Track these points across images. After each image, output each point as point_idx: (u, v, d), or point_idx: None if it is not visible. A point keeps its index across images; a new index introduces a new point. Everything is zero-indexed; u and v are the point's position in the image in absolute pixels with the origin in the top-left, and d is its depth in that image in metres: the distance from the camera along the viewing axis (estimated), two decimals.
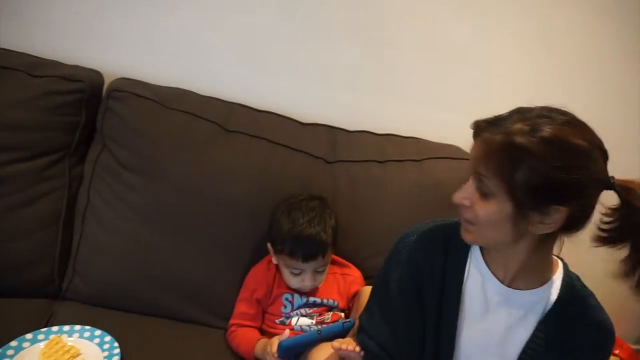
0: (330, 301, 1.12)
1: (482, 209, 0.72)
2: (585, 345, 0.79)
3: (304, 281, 1.06)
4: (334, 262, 1.17)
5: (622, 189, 0.70)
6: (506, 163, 0.68)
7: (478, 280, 0.82)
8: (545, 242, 0.75)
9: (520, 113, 0.71)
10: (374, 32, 1.37)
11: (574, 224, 0.71)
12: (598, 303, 0.82)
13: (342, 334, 0.95)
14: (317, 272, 1.08)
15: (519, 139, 0.67)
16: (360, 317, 0.93)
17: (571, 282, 0.81)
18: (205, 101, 1.25)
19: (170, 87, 1.26)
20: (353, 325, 0.95)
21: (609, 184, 0.70)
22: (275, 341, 0.96)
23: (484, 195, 0.71)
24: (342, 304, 1.13)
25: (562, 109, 0.71)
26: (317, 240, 1.04)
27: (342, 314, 1.14)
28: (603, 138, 0.71)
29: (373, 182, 1.26)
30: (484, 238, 0.77)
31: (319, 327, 0.98)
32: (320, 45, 1.37)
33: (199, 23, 1.31)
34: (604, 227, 0.72)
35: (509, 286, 0.80)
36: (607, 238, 0.72)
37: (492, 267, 0.81)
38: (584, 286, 0.82)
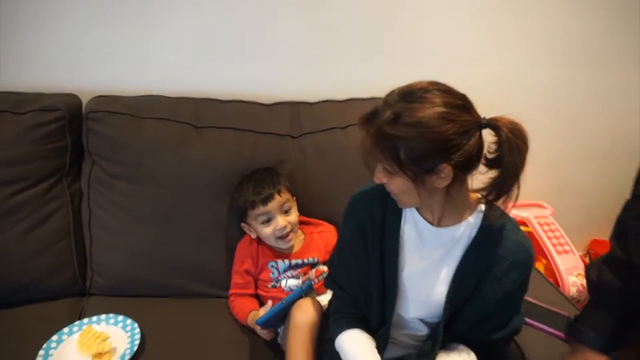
0: (311, 259, 1.28)
1: (391, 185, 0.87)
2: (507, 263, 0.91)
3: (278, 225, 1.21)
4: (308, 224, 1.33)
5: (492, 126, 0.82)
6: (387, 149, 0.81)
7: (412, 225, 0.97)
8: (454, 187, 0.87)
9: (387, 100, 0.82)
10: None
11: (467, 167, 0.84)
12: (516, 227, 0.94)
13: (303, 295, 1.11)
14: (284, 212, 1.23)
15: (387, 130, 0.80)
16: (327, 264, 1.13)
17: (491, 211, 0.92)
18: (174, 103, 1.37)
19: (141, 96, 1.38)
20: (310, 285, 1.12)
21: (481, 126, 0.82)
22: (254, 320, 1.14)
23: (389, 173, 0.85)
24: (322, 259, 1.29)
25: (420, 83, 0.82)
26: (266, 183, 1.22)
27: (325, 268, 1.29)
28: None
29: (337, 148, 1.38)
30: (407, 203, 0.91)
31: (284, 299, 1.11)
32: (270, 26, 1.46)
33: (154, 31, 1.41)
34: (489, 155, 0.85)
35: (437, 225, 0.94)
36: (489, 163, 0.85)
37: (422, 213, 0.96)
38: (504, 214, 0.94)
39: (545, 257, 1.69)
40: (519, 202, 1.75)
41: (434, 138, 0.79)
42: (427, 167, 0.81)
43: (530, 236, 1.73)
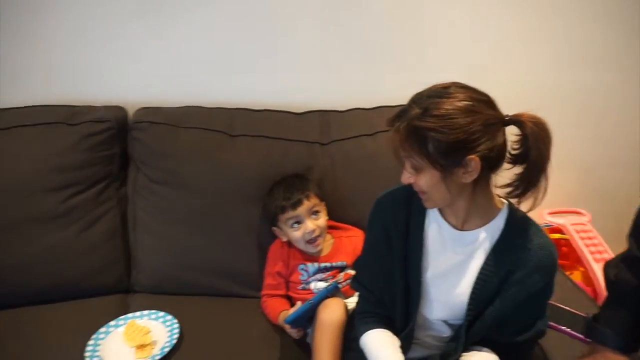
0: (340, 263, 1.32)
1: (421, 181, 0.89)
2: (530, 266, 0.92)
3: (307, 228, 1.26)
4: (338, 228, 1.37)
5: (516, 122, 0.85)
6: (416, 142, 0.85)
7: (436, 227, 0.99)
8: (480, 186, 0.90)
9: (415, 99, 0.86)
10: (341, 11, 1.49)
11: (493, 163, 0.87)
12: (539, 230, 0.94)
13: (329, 295, 1.15)
14: (313, 215, 1.28)
15: (417, 122, 0.84)
16: (353, 265, 1.16)
17: (514, 216, 0.94)
18: (210, 113, 1.46)
19: (180, 107, 1.48)
20: (336, 286, 1.16)
21: (504, 122, 0.85)
22: (283, 318, 1.20)
23: (417, 170, 0.88)
24: (350, 263, 1.32)
25: (445, 83, 0.87)
26: (295, 188, 1.27)
27: (354, 272, 1.34)
28: None
29: (366, 155, 1.42)
30: (436, 201, 0.93)
31: (311, 299, 1.15)
32: (300, 38, 1.52)
33: (191, 47, 1.51)
34: (512, 151, 0.87)
35: (461, 229, 0.96)
36: (514, 159, 0.87)
37: (446, 216, 0.98)
38: (527, 217, 0.94)
39: (583, 265, 1.64)
40: (555, 209, 1.76)
41: (461, 129, 0.82)
42: (456, 159, 0.84)
43: (567, 244, 1.68)
